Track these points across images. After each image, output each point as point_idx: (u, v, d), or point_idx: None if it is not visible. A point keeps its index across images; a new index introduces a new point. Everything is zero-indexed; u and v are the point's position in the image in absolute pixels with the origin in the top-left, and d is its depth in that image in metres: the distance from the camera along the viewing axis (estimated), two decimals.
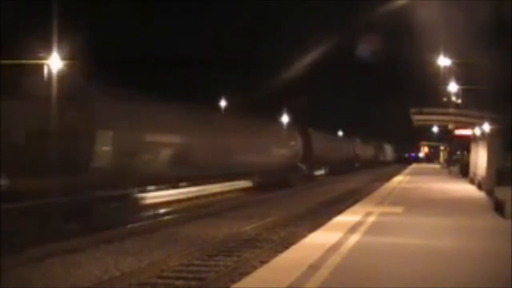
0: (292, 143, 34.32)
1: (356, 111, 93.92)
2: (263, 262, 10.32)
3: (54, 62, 19.00)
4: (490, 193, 18.41)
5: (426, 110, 25.98)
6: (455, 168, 40.49)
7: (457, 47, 20.88)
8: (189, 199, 23.57)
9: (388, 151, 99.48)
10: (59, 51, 20.15)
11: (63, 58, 20.20)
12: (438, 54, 22.18)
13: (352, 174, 53.19)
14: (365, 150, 71.67)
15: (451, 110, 26.93)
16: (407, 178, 36.08)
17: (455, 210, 15.88)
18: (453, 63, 22.83)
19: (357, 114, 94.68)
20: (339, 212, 16.34)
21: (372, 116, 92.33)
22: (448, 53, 21.87)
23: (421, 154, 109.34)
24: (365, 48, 39.19)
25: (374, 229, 11.68)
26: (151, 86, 33.82)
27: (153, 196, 20.13)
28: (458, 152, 53.05)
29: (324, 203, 23.79)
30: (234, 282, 8.76)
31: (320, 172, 46.13)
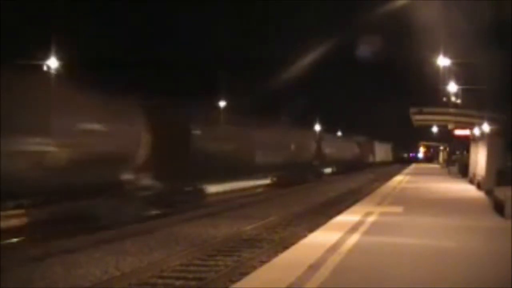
0: (100, 129, 15.12)
1: (356, 111, 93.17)
2: (263, 262, 10.33)
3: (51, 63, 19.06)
4: (489, 193, 18.42)
5: (425, 110, 26.02)
6: (455, 168, 40.52)
7: (457, 47, 20.89)
8: None
9: (382, 150, 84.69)
10: (57, 52, 20.24)
11: (60, 59, 20.27)
12: (438, 54, 22.19)
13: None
14: (341, 149, 51.24)
15: (451, 110, 26.93)
16: (407, 178, 36.09)
17: (455, 210, 15.88)
18: (453, 63, 22.84)
19: (356, 113, 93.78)
20: (339, 211, 16.36)
21: (372, 116, 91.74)
22: (448, 53, 21.88)
23: (420, 154, 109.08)
24: (365, 48, 39.20)
25: (374, 229, 11.68)
26: (150, 86, 33.87)
27: None
28: (458, 152, 53.09)
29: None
30: (234, 282, 8.76)
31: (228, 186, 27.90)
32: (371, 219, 13.26)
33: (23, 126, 12.21)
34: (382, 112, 79.47)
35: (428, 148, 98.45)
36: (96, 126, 15.27)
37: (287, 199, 25.36)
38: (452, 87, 26.84)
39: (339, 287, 6.84)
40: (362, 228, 11.64)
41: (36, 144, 12.75)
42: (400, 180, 33.58)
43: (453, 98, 28.80)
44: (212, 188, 23.33)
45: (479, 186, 23.21)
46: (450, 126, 30.81)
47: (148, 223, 16.44)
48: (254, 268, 9.79)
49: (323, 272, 7.41)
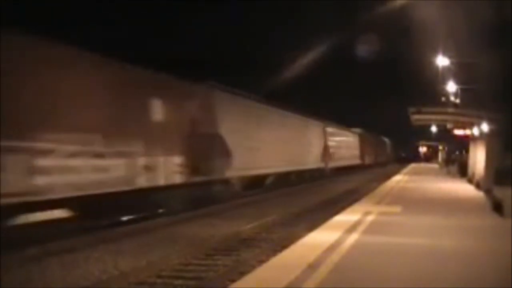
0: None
1: (355, 110, 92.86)
2: (261, 262, 10.31)
3: None
4: (488, 192, 18.43)
5: (424, 109, 26.00)
6: (454, 168, 40.53)
7: (456, 47, 20.89)
8: None
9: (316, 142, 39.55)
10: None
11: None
12: (437, 53, 22.20)
13: None
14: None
15: (450, 109, 26.94)
16: (406, 177, 36.12)
17: (453, 209, 15.88)
18: (452, 62, 22.84)
19: (355, 112, 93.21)
20: (337, 211, 16.35)
21: (371, 115, 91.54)
22: (447, 53, 21.88)
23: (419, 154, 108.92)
24: (364, 48, 39.20)
25: (372, 228, 11.68)
26: None
27: None
28: (457, 152, 53.11)
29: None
30: (233, 281, 8.75)
31: None
32: (370, 218, 13.26)
33: None
34: (381, 111, 79.30)
35: (427, 147, 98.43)
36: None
37: (285, 200, 25.37)
38: (451, 86, 26.85)
39: (337, 287, 6.83)
40: (361, 228, 11.63)
41: None
42: (398, 179, 33.62)
43: (452, 98, 28.81)
44: None
45: (478, 186, 23.21)
46: (449, 126, 30.82)
47: (147, 223, 16.43)
48: (253, 267, 9.79)
49: (322, 271, 7.41)
